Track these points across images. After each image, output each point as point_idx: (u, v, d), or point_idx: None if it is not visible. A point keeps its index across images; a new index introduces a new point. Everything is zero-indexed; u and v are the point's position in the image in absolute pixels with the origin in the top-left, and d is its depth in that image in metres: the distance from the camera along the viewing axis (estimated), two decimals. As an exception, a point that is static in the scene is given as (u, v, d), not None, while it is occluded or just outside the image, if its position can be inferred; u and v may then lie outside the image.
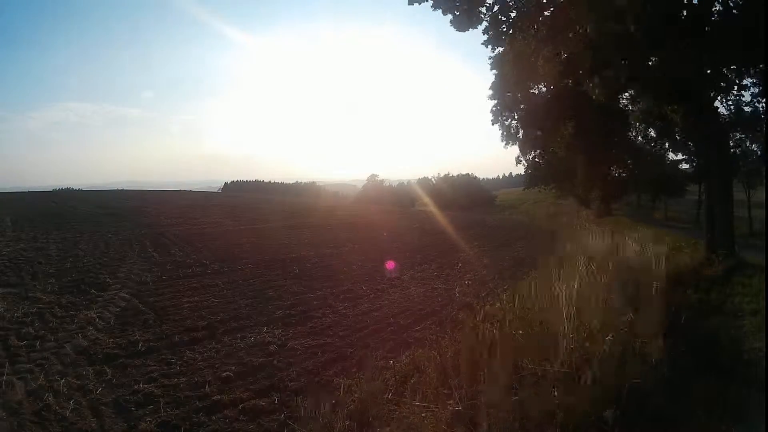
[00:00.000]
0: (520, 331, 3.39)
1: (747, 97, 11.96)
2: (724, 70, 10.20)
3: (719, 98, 11.52)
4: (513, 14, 10.26)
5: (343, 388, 3.87)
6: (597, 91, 10.99)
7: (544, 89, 26.09)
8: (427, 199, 42.50)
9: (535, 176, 31.86)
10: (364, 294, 7.98)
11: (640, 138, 30.34)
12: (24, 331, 5.49)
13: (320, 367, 4.75)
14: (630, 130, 28.24)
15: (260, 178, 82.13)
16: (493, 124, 30.43)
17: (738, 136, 22.55)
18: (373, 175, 58.76)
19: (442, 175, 57.36)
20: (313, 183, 76.42)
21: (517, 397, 2.61)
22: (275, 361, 4.86)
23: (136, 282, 8.19)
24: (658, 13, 8.88)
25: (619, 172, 31.92)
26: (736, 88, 11.57)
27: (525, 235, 16.67)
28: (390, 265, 10.31)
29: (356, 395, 3.55)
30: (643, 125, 26.80)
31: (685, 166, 31.19)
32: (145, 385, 4.19)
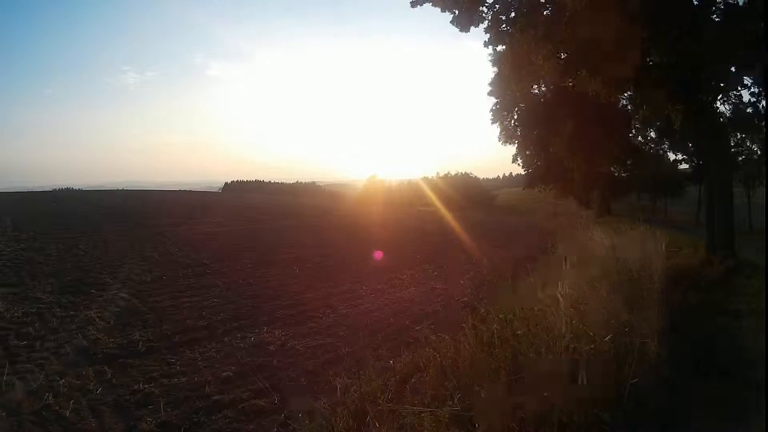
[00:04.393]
0: (520, 332, 3.38)
1: (747, 96, 11.92)
2: (723, 70, 10.19)
3: (719, 98, 11.49)
4: (513, 14, 10.26)
5: (343, 388, 3.87)
6: (597, 90, 10.99)
7: (544, 88, 26.11)
8: (426, 199, 42.50)
9: (534, 176, 31.82)
10: (364, 294, 7.98)
11: (639, 138, 30.34)
12: (24, 331, 5.50)
13: (320, 367, 4.75)
14: (630, 130, 28.22)
15: (260, 178, 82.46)
16: (492, 123, 30.46)
17: (738, 136, 22.54)
18: (373, 176, 59.12)
19: (441, 174, 57.43)
20: (313, 183, 76.68)
21: (516, 398, 2.61)
22: (275, 361, 4.87)
23: (136, 282, 8.20)
24: (658, 12, 8.87)
25: (619, 172, 31.90)
26: (735, 87, 11.55)
27: (525, 235, 16.67)
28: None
29: (356, 395, 3.55)
30: (643, 125, 26.79)
31: (685, 166, 31.21)
32: (145, 385, 4.20)
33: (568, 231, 12.35)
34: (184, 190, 47.39)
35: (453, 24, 10.24)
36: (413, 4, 10.17)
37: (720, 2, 9.65)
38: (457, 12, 10.05)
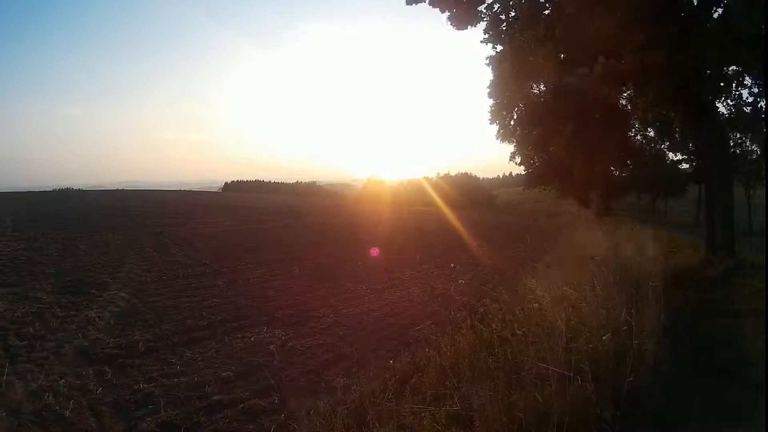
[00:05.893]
0: (519, 331, 3.39)
1: (747, 96, 11.90)
2: (723, 70, 10.18)
3: (719, 98, 11.48)
4: (512, 13, 10.24)
5: (343, 388, 3.87)
6: (596, 89, 11.02)
7: (544, 88, 26.05)
8: (427, 199, 42.51)
9: (535, 176, 31.79)
10: (364, 294, 7.99)
11: (639, 138, 30.31)
12: (24, 331, 5.50)
13: (320, 367, 4.76)
14: (630, 130, 28.19)
15: (260, 178, 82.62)
16: (491, 123, 30.42)
17: (738, 136, 22.51)
18: (373, 176, 59.24)
19: (442, 174, 57.42)
20: (314, 183, 76.77)
21: (515, 397, 2.61)
22: (275, 361, 4.87)
23: (136, 282, 8.20)
24: (658, 12, 8.87)
25: (619, 172, 31.88)
26: (735, 87, 11.55)
27: (524, 235, 16.67)
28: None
29: (356, 395, 3.55)
30: (643, 124, 26.75)
31: (685, 166, 31.18)
32: (145, 385, 4.20)
33: (568, 231, 12.35)
34: (184, 190, 47.43)
35: (449, 23, 10.20)
36: (409, 2, 10.13)
37: (720, 1, 9.64)
38: (455, 10, 10.01)
